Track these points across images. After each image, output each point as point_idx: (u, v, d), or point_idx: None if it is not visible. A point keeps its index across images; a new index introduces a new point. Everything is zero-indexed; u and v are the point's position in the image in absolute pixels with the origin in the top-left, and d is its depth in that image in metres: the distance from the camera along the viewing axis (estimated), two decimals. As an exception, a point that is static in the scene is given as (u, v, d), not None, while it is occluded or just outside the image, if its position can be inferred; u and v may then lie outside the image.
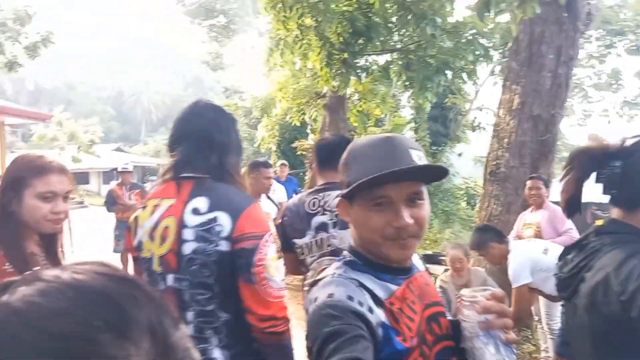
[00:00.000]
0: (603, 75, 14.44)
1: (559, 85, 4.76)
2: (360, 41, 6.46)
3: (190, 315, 1.41)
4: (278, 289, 1.43)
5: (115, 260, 6.40)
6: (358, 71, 7.02)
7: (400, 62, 7.25)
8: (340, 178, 1.10)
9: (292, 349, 1.53)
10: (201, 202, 1.42)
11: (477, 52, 6.54)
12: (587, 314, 1.18)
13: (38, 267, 0.50)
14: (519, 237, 4.29)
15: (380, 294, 1.00)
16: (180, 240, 1.40)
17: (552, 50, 4.71)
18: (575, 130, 16.28)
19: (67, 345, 0.42)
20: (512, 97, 4.95)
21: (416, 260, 1.15)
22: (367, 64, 7.53)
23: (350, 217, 1.07)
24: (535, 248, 3.32)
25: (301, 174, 13.00)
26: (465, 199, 15.65)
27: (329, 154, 2.14)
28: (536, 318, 4.33)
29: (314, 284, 1.06)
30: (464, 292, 1.02)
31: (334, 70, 6.58)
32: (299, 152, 11.88)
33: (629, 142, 1.19)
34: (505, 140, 4.95)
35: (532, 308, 4.09)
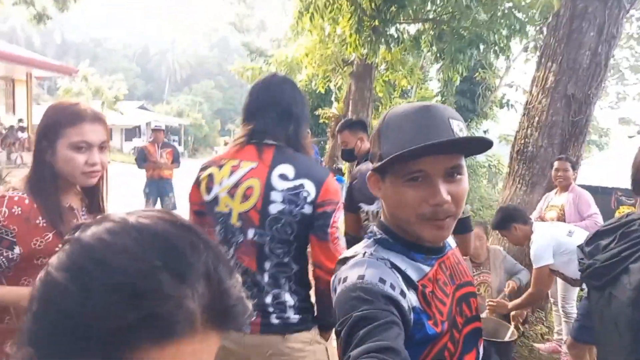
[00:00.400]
0: (641, 58, 13.86)
1: (597, 65, 4.58)
2: (393, 8, 6.26)
3: (267, 265, 1.63)
4: (343, 248, 1.64)
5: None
6: (388, 40, 6.84)
7: (432, 33, 7.04)
8: (373, 150, 1.02)
9: None
10: (287, 169, 1.62)
11: (513, 27, 6.30)
12: (632, 308, 1.12)
13: (76, 222, 0.52)
14: (542, 219, 4.23)
15: (413, 275, 0.96)
16: (266, 201, 1.60)
17: (594, 27, 4.51)
18: (607, 113, 15.79)
19: (128, 280, 0.45)
20: (547, 74, 4.78)
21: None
22: (398, 33, 7.32)
23: (381, 192, 1.00)
24: (560, 230, 3.27)
25: (322, 142, 12.94)
26: (487, 176, 15.44)
27: None
28: (552, 300, 4.31)
29: (343, 261, 1.00)
30: None
31: (363, 38, 6.43)
32: (321, 120, 11.78)
33: None
34: (536, 119, 4.82)
35: (549, 290, 4.07)
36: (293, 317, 1.65)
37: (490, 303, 3.20)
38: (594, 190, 4.93)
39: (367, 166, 2.39)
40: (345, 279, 0.91)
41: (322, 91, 10.76)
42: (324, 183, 1.63)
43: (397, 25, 7.14)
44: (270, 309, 1.63)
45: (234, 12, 21.30)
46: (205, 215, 1.74)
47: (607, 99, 15.21)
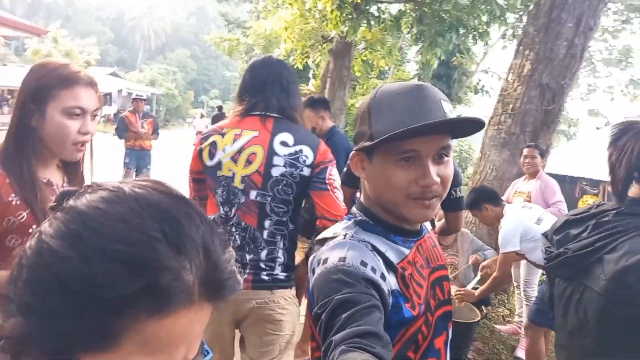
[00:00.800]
0: (614, 51, 14.18)
1: (572, 56, 4.64)
2: (375, -14, 6.20)
3: (267, 223, 1.84)
4: (343, 208, 1.85)
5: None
6: (369, 18, 6.78)
7: (413, 14, 7.01)
8: (360, 128, 0.98)
9: None
10: (287, 137, 1.84)
11: (493, 13, 6.33)
12: (605, 299, 1.12)
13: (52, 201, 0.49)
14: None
15: (393, 258, 0.95)
16: (269, 165, 1.82)
17: (573, 18, 4.56)
18: (577, 104, 16.17)
19: (128, 249, 0.44)
20: (524, 62, 4.83)
21: None
22: (379, 12, 7.25)
23: (365, 172, 0.98)
24: (529, 216, 3.33)
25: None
26: (458, 161, 15.68)
27: None
28: (515, 284, 4.43)
29: (322, 242, 0.98)
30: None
31: (344, 15, 6.36)
32: (298, 96, 11.65)
33: None
34: (510, 105, 4.88)
35: (512, 274, 4.18)
36: (280, 274, 1.87)
37: (458, 292, 3.26)
38: (561, 178, 5.05)
39: None
40: (325, 260, 0.89)
41: (300, 67, 10.63)
42: (318, 147, 1.87)
43: (379, 4, 7.07)
44: (263, 265, 1.83)
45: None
46: (203, 182, 1.95)
47: (578, 90, 15.57)
